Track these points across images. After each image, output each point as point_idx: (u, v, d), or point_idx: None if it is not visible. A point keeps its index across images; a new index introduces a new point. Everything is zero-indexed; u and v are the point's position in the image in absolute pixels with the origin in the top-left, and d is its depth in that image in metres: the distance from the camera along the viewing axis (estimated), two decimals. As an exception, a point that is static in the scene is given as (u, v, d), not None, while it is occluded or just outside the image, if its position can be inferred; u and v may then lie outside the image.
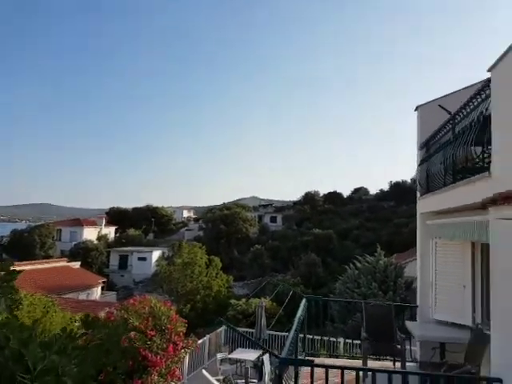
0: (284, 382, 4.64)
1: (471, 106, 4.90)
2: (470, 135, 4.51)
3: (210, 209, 59.29)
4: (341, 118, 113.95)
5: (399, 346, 6.53)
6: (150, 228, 57.72)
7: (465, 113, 5.21)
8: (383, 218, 44.21)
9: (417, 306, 7.16)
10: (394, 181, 57.58)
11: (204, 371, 10.97)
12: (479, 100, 4.75)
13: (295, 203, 61.59)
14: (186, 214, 74.75)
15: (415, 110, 7.89)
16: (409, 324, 6.82)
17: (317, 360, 3.92)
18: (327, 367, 3.86)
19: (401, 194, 52.35)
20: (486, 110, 4.19)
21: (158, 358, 5.78)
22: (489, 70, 4.07)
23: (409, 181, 60.18)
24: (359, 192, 61.40)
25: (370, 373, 3.73)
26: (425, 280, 7.10)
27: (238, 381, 8.87)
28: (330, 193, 59.28)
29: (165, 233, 59.60)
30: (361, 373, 4.30)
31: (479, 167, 5.28)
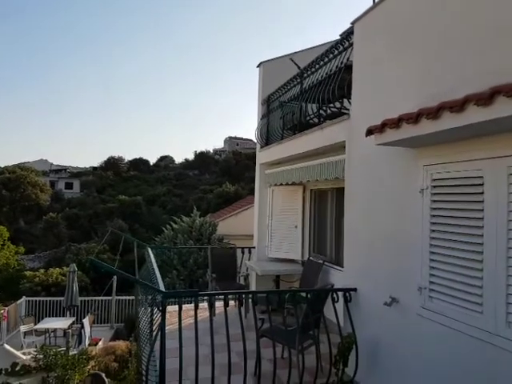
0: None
1: (325, 59, 5.49)
2: (330, 84, 5.06)
3: (-16, 172, 48.17)
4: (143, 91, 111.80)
5: (241, 283, 7.10)
6: None
7: (316, 67, 5.82)
8: (189, 185, 45.87)
9: (254, 247, 7.81)
10: (198, 150, 60.02)
11: (6, 345, 9.38)
12: (331, 56, 5.38)
13: (95, 169, 56.74)
14: None
15: (257, 66, 8.34)
16: (248, 263, 7.40)
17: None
18: (212, 295, 3.80)
19: (204, 163, 55.36)
20: (347, 60, 4.77)
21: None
22: (352, 23, 4.62)
23: (211, 151, 64.25)
24: (165, 160, 61.49)
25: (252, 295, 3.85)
26: (262, 224, 7.81)
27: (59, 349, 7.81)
28: (135, 159, 57.10)
29: None
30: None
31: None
